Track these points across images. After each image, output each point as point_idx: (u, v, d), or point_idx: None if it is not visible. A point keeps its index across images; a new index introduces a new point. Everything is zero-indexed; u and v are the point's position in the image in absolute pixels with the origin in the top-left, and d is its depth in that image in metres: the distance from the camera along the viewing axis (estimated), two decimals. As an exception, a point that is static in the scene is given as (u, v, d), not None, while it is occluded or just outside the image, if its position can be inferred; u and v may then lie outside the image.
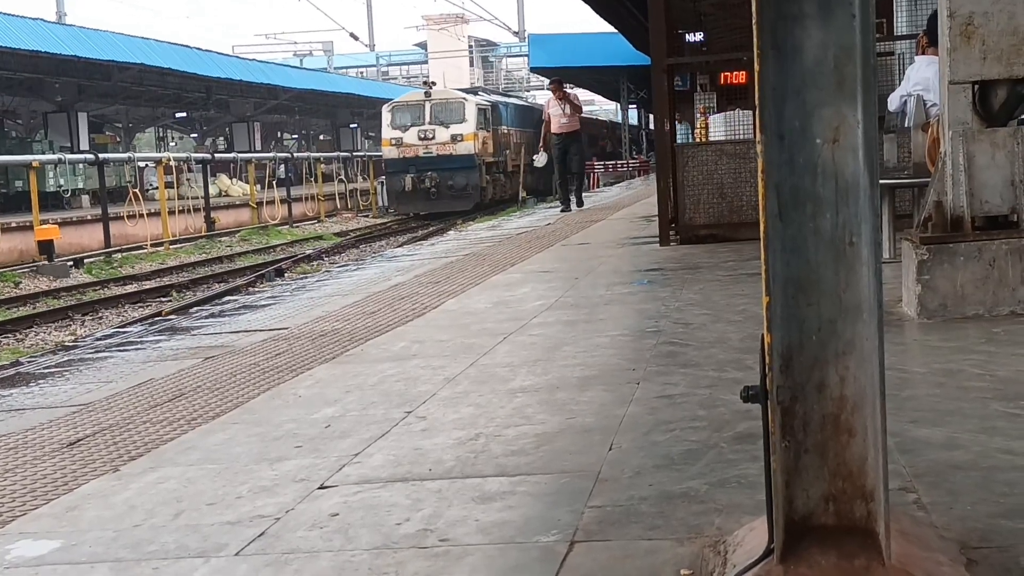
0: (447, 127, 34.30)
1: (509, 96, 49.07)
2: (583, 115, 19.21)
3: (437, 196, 33.96)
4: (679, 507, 3.02)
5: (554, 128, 17.89)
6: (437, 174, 33.80)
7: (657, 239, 10.96)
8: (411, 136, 34.36)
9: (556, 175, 18.67)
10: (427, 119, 34.42)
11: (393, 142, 34.61)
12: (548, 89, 20.17)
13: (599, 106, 78.70)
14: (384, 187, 37.04)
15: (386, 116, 35.33)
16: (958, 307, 5.57)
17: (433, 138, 34.24)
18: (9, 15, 28.61)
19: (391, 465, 3.65)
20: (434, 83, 40.00)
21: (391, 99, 37.36)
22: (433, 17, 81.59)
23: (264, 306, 8.39)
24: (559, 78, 19.26)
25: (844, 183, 2.18)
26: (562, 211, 18.01)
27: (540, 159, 19.88)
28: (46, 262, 20.88)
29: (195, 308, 10.96)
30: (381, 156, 36.89)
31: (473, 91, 40.46)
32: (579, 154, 18.41)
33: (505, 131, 38.69)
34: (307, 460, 3.78)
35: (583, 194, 19.43)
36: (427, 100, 34.75)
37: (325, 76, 55.43)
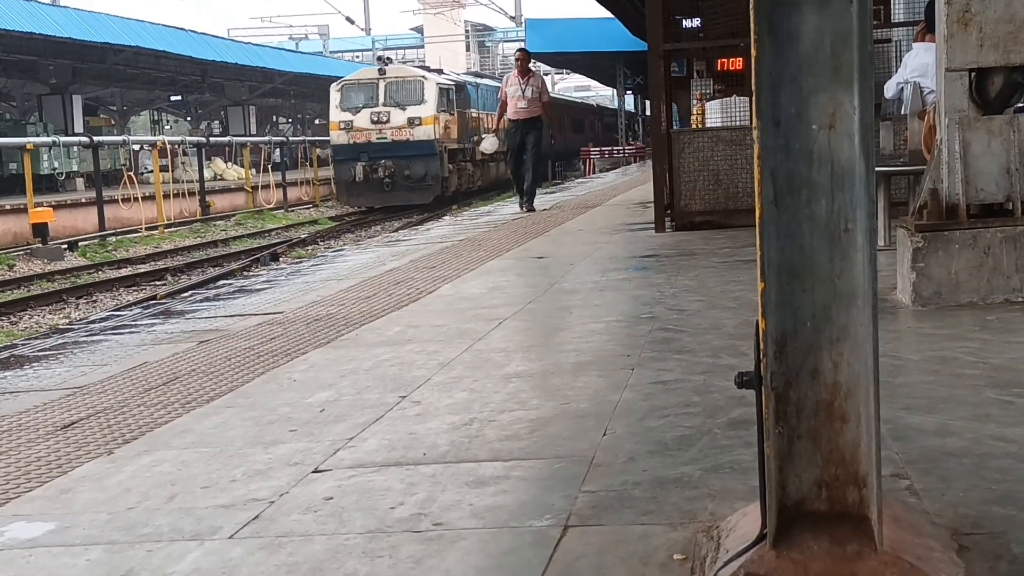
0: (403, 109, 30.46)
1: (482, 77, 44.75)
2: (556, 98, 16.43)
3: (392, 187, 30.28)
4: (672, 492, 3.02)
5: (510, 112, 14.97)
6: (392, 162, 30.07)
7: (653, 225, 10.96)
8: (363, 119, 30.63)
9: (510, 169, 15.75)
10: (381, 100, 30.69)
11: (342, 126, 30.82)
12: (513, 59, 16.44)
13: (595, 91, 78.65)
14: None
15: (334, 96, 31.35)
16: (952, 295, 5.58)
17: (387, 121, 30.46)
18: (3, -3, 28.52)
19: (385, 449, 3.65)
20: (390, 59, 35.33)
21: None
22: (430, 1, 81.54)
23: (259, 290, 8.38)
24: (525, 49, 16.18)
25: (840, 169, 2.18)
26: (520, 207, 15.23)
27: (488, 144, 17.22)
28: (40, 245, 20.86)
29: (190, 292, 10.95)
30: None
31: (437, 70, 36.14)
32: (536, 146, 15.02)
33: (474, 115, 34.88)
34: (301, 444, 3.78)
35: (535, 195, 15.82)
36: (381, 78, 30.90)
37: (321, 60, 55.32)
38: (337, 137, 31.04)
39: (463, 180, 33.55)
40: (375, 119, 30.53)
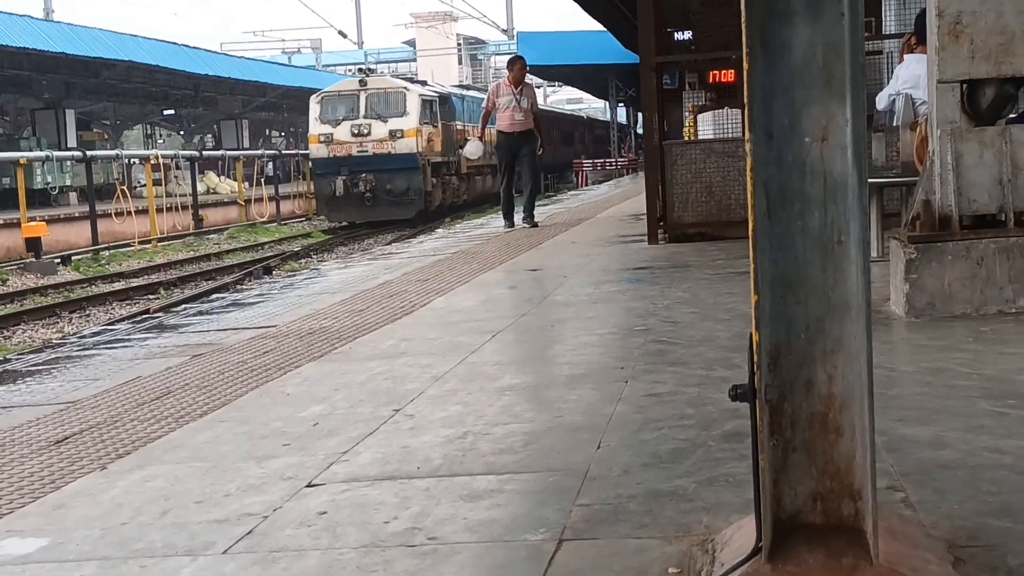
0: (385, 121, 29.24)
1: (469, 89, 43.54)
2: (545, 110, 15.28)
3: (373, 202, 29.14)
4: (667, 505, 3.02)
5: (503, 124, 14.02)
6: (373, 176, 28.91)
7: (646, 237, 10.97)
8: (343, 132, 29.39)
9: (501, 184, 14.68)
10: (362, 112, 29.47)
11: (322, 139, 29.54)
12: (508, 66, 15.03)
13: (587, 103, 78.77)
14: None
15: (314, 108, 30.07)
16: (946, 306, 5.58)
17: (368, 134, 29.23)
18: (-4, 12, 28.56)
19: (379, 463, 3.64)
20: (371, 70, 33.84)
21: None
22: (422, 15, 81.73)
23: (252, 304, 8.37)
24: (522, 57, 14.73)
25: (832, 181, 2.18)
26: (506, 229, 14.10)
27: (472, 148, 16.44)
28: (33, 259, 20.83)
29: (183, 306, 10.94)
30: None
31: (420, 82, 34.78)
32: (531, 159, 14.15)
33: (460, 127, 33.52)
34: (295, 458, 3.77)
35: (535, 210, 14.85)
36: (362, 90, 29.72)
37: (313, 73, 55.37)
38: (317, 150, 29.97)
39: (448, 194, 32.53)
40: (356, 132, 29.46)
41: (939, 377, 4.37)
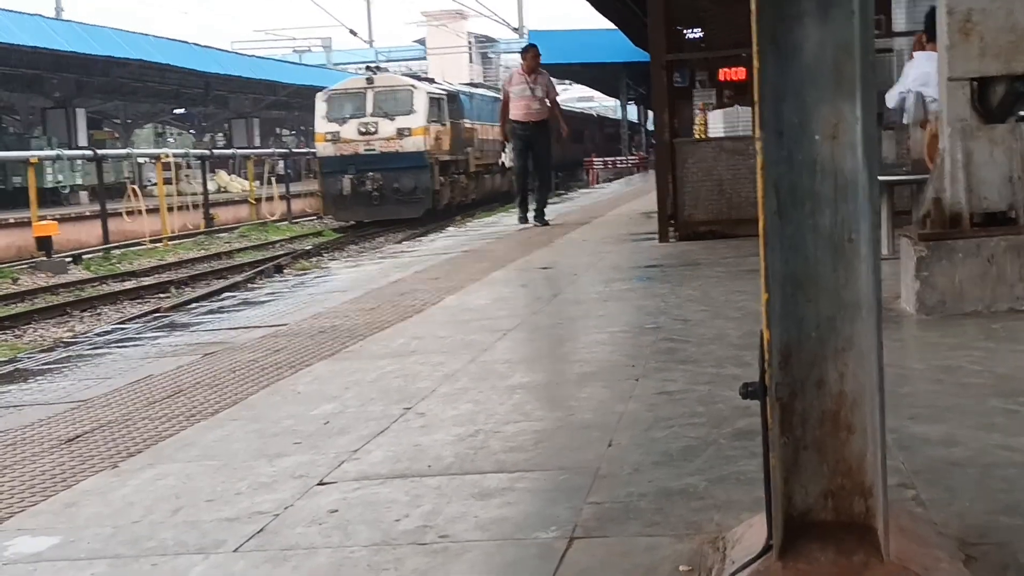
0: (392, 119, 28.89)
1: (477, 87, 43.01)
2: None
3: (380, 201, 28.79)
4: (678, 503, 3.02)
5: (517, 114, 13.66)
6: (380, 175, 28.53)
7: (656, 235, 10.96)
8: (350, 130, 29.06)
9: (515, 176, 14.57)
10: (369, 110, 29.10)
11: (329, 137, 29.18)
12: (520, 54, 14.69)
13: (597, 101, 78.74)
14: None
15: (320, 106, 29.68)
16: (957, 304, 5.57)
17: (376, 132, 28.90)
18: (7, 11, 28.65)
19: (390, 461, 3.65)
20: (379, 68, 33.65)
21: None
22: (432, 13, 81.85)
23: (263, 302, 8.39)
24: (535, 45, 14.38)
25: (843, 180, 2.18)
26: (519, 223, 14.17)
27: (509, 156, 15.65)
28: (44, 258, 20.88)
29: (194, 304, 10.96)
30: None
31: (428, 79, 34.19)
32: (546, 152, 13.90)
33: (468, 125, 33.31)
34: (306, 456, 3.78)
35: (546, 207, 14.48)
36: (369, 87, 29.42)
37: (324, 72, 55.43)
38: (324, 149, 29.57)
39: (456, 193, 32.05)
40: (363, 130, 29.05)
41: (950, 375, 4.37)
